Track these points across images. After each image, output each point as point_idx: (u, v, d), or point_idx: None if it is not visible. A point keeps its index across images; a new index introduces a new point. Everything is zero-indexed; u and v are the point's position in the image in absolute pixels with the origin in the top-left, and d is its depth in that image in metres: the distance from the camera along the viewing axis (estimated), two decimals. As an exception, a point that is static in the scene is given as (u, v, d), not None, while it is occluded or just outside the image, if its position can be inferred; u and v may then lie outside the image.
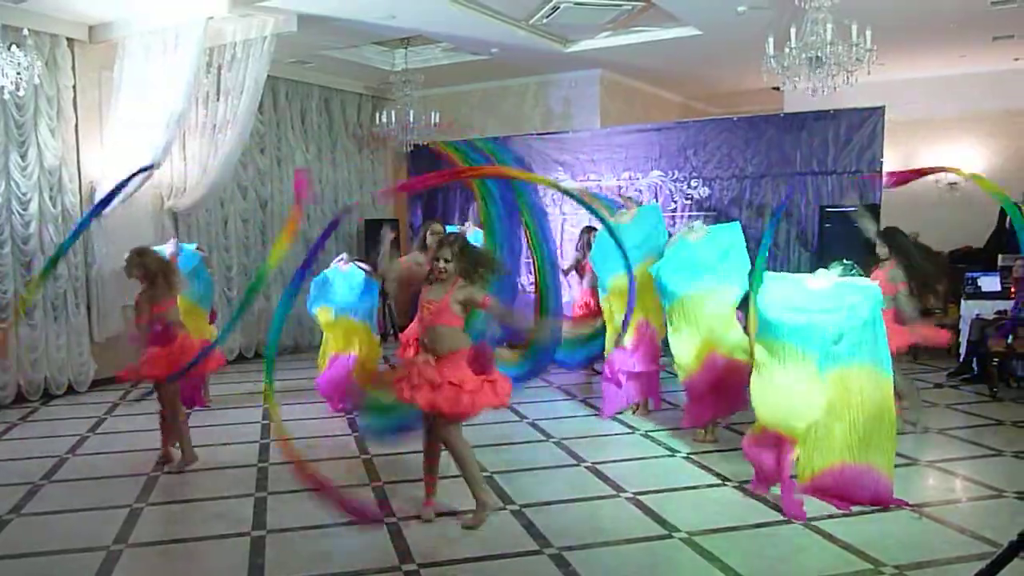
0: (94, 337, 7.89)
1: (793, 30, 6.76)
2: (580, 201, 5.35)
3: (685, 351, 5.60)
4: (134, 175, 5.67)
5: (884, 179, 7.37)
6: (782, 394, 4.36)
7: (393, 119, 10.10)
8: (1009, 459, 5.30)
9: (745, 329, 5.33)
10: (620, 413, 6.47)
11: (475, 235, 5.57)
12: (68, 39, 7.60)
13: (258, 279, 7.24)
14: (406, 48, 9.76)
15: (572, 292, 7.85)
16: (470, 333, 4.30)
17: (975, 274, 8.19)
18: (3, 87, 6.38)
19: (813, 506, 4.34)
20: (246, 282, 9.66)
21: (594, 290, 7.23)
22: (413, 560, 3.82)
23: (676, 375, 5.86)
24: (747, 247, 5.64)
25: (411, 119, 9.88)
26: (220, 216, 9.37)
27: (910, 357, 7.76)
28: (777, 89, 9.89)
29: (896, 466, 4.51)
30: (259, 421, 6.66)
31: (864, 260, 5.48)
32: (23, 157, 7.28)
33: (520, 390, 4.76)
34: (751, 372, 4.57)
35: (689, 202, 9.36)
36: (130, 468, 5.34)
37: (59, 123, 7.53)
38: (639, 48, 9.46)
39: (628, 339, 6.14)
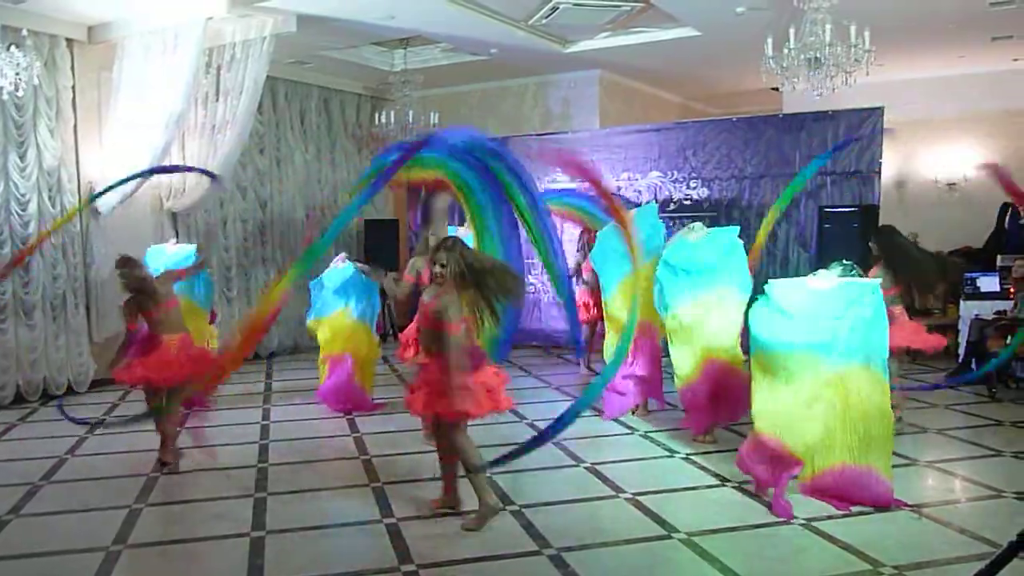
0: (93, 337, 7.89)
1: (792, 31, 6.77)
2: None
3: (684, 362, 5.63)
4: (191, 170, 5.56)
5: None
6: (781, 411, 4.36)
7: (392, 119, 10.10)
8: (1008, 459, 5.30)
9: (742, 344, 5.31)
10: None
11: (469, 237, 5.56)
12: (67, 39, 7.60)
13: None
14: (405, 48, 9.76)
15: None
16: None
17: (974, 274, 8.21)
18: (2, 88, 6.37)
19: (813, 506, 4.34)
20: (246, 282, 9.67)
21: (593, 291, 7.22)
22: (412, 561, 3.82)
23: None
24: (746, 248, 5.63)
25: (410, 119, 9.88)
26: (219, 216, 9.37)
27: (909, 358, 7.75)
28: (776, 90, 9.89)
29: (896, 466, 4.52)
30: (259, 421, 6.66)
31: (863, 260, 5.47)
32: (22, 158, 7.27)
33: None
34: (751, 378, 4.56)
35: (688, 202, 9.35)
36: (129, 469, 5.33)
37: (58, 124, 7.53)
38: (638, 49, 9.46)
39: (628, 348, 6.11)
